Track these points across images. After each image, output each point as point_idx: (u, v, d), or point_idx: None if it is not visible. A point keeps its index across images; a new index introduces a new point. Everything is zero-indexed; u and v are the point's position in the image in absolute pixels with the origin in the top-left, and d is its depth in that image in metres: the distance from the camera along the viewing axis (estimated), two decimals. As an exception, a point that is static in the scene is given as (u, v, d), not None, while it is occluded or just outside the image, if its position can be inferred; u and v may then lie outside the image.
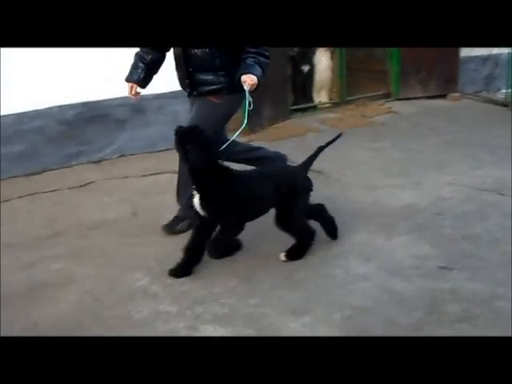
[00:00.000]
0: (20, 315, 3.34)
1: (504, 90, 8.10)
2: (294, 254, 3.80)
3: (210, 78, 3.93)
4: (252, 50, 3.81)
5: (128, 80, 4.06)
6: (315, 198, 4.74)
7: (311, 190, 3.84)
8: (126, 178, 5.39)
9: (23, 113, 5.43)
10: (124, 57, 4.08)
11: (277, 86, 6.77)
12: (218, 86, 3.95)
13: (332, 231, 4.01)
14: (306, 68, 7.47)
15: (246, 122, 3.85)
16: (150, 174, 5.40)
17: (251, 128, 6.47)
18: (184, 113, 4.54)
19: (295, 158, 5.63)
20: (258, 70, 3.82)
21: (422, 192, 4.85)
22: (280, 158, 4.33)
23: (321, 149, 3.97)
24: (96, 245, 4.13)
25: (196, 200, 3.59)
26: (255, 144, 6.10)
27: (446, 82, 7.97)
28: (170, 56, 4.09)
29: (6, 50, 4.97)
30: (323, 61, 7.51)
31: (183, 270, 3.66)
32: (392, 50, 7.79)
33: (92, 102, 5.68)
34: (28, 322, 3.27)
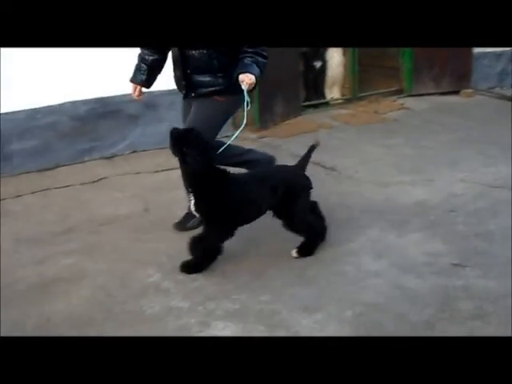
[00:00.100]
0: (33, 310, 3.35)
1: (517, 87, 8.05)
2: (305, 250, 3.80)
3: (208, 79, 3.88)
4: (249, 50, 3.75)
5: (132, 81, 4.11)
6: (328, 194, 4.75)
7: (311, 187, 3.80)
8: (138, 173, 5.40)
9: (36, 109, 5.45)
10: (136, 53, 4.07)
11: (289, 82, 6.76)
12: (217, 88, 3.89)
13: (322, 225, 3.93)
14: (318, 64, 7.44)
15: (244, 122, 3.78)
16: (162, 170, 5.40)
17: (263, 124, 6.48)
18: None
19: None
20: (256, 69, 3.75)
21: (434, 189, 4.82)
22: (269, 161, 4.26)
23: (313, 147, 3.89)
24: (108, 240, 4.14)
25: (192, 202, 3.59)
26: (266, 140, 6.11)
27: (458, 78, 7.92)
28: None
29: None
30: (335, 57, 7.48)
31: (195, 266, 3.67)
32: (405, 45, 7.75)
33: (104, 98, 5.69)
34: (41, 317, 3.29)
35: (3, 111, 5.30)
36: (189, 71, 3.91)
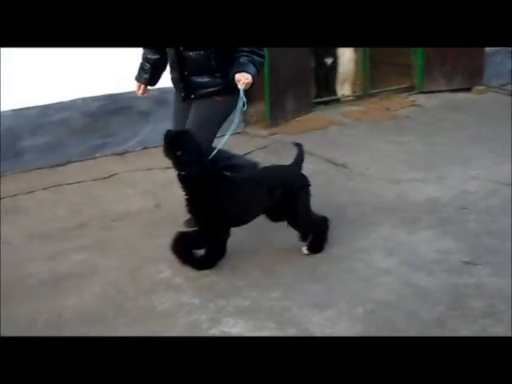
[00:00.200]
0: (44, 306, 3.38)
1: (530, 84, 7.99)
2: (315, 247, 3.80)
3: (206, 80, 3.85)
4: (246, 49, 3.71)
5: (137, 79, 4.14)
6: (339, 191, 4.74)
7: (309, 185, 3.76)
8: (149, 170, 5.41)
9: (48, 105, 5.48)
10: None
11: (300, 79, 6.75)
12: (216, 88, 3.86)
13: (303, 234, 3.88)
14: (329, 60, 7.41)
15: (236, 121, 3.75)
16: (173, 167, 5.41)
17: (274, 121, 6.47)
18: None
19: (318, 152, 5.64)
20: (252, 68, 3.72)
21: (445, 186, 4.80)
22: (253, 167, 4.22)
23: (299, 145, 3.86)
24: (119, 236, 4.15)
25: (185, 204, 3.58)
26: (277, 137, 6.11)
27: (470, 75, 7.87)
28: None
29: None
30: (347, 53, 7.45)
31: (205, 263, 3.68)
32: (416, 42, 7.71)
33: (115, 95, 5.71)
34: (52, 312, 3.31)
35: (16, 107, 5.33)
36: (186, 73, 3.87)
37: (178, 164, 3.50)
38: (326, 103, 7.38)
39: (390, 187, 4.83)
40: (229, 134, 3.73)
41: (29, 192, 5.01)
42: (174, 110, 4.16)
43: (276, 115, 6.52)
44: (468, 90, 7.83)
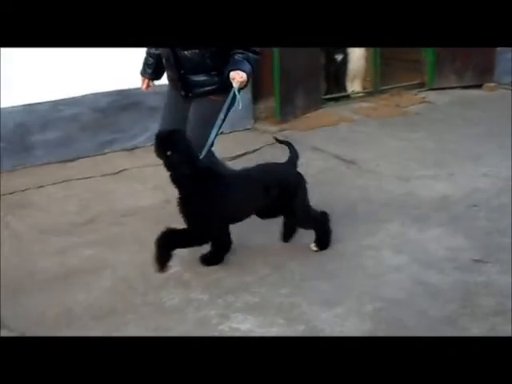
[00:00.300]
0: (54, 301, 3.39)
1: (541, 80, 7.93)
2: (321, 243, 3.79)
3: (203, 78, 3.83)
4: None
5: (142, 74, 4.16)
6: (348, 188, 4.73)
7: (305, 182, 3.72)
8: (158, 165, 5.31)
9: (58, 100, 5.49)
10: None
11: (310, 75, 6.73)
12: (213, 87, 3.84)
13: (289, 232, 3.90)
14: (339, 57, 7.38)
15: (222, 117, 3.70)
16: (183, 162, 5.41)
17: (283, 117, 6.46)
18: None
19: (327, 148, 5.63)
20: (247, 66, 3.69)
21: (456, 183, 4.78)
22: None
23: (289, 143, 3.84)
24: (129, 232, 4.16)
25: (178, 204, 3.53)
26: (286, 133, 6.11)
27: (481, 71, 7.83)
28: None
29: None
30: (357, 50, 7.42)
31: (213, 258, 3.68)
32: (427, 39, 7.67)
33: (126, 90, 5.70)
34: (62, 307, 3.32)
35: (27, 102, 5.34)
36: (183, 71, 3.86)
37: (169, 164, 3.45)
38: (336, 99, 7.36)
39: (399, 184, 4.81)
40: (215, 131, 3.69)
41: (39, 187, 5.02)
42: (165, 106, 4.14)
43: (286, 111, 6.51)
44: (479, 86, 7.80)
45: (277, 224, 3.81)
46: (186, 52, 3.79)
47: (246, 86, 3.77)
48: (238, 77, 3.65)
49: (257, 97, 6.61)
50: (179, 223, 4.20)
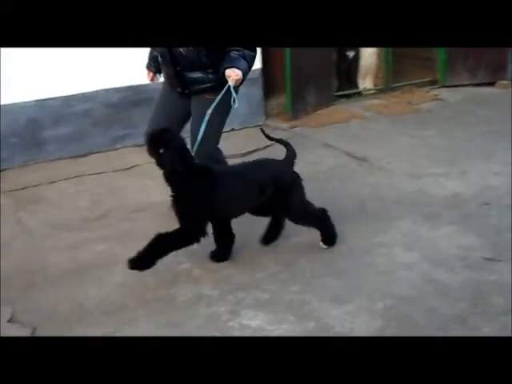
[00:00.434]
0: (66, 295, 3.41)
1: (555, 78, 7.87)
2: (327, 240, 3.78)
3: (199, 76, 3.84)
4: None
5: (148, 68, 4.21)
6: (359, 185, 4.72)
7: (301, 179, 3.69)
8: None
9: (71, 96, 5.52)
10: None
11: (321, 72, 6.73)
12: (209, 84, 3.84)
13: (271, 235, 3.88)
14: (351, 53, 7.37)
15: (209, 112, 3.67)
16: (194, 158, 5.42)
17: (295, 114, 6.45)
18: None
19: (338, 145, 5.62)
20: (243, 63, 3.68)
21: (468, 181, 4.76)
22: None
23: (289, 143, 3.80)
24: (140, 227, 4.17)
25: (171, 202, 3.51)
26: (297, 130, 6.10)
27: (494, 69, 7.78)
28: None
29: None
30: (369, 46, 7.41)
31: (222, 255, 3.70)
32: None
33: (138, 86, 5.72)
34: (74, 302, 3.35)
35: (39, 98, 5.37)
36: (179, 68, 3.86)
37: (161, 162, 3.41)
38: (348, 96, 7.35)
39: (411, 182, 4.80)
40: (203, 126, 3.67)
41: (51, 182, 5.05)
42: (158, 104, 4.14)
43: (297, 108, 6.50)
44: (491, 84, 7.75)
45: (288, 222, 3.81)
46: (181, 49, 3.79)
47: (241, 83, 3.75)
48: (233, 74, 3.65)
49: (268, 93, 6.62)
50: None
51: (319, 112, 6.74)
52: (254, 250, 3.77)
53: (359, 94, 7.52)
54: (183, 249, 3.68)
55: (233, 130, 5.92)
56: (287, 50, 6.24)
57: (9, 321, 3.19)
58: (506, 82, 7.76)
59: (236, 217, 3.67)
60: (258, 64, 5.58)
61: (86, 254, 3.86)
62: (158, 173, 3.49)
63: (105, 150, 5.69)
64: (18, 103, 5.31)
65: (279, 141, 3.82)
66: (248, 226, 3.84)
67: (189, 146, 3.60)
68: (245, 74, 3.71)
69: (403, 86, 7.65)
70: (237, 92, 3.76)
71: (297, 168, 3.74)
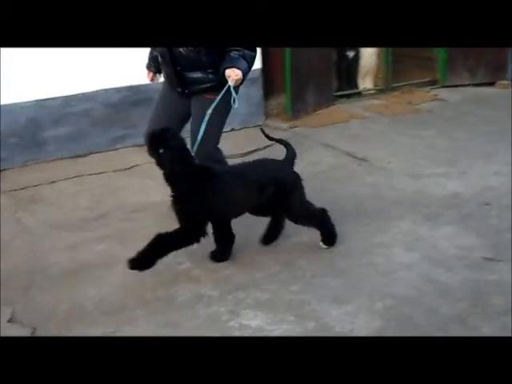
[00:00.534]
0: (65, 295, 3.41)
1: (555, 78, 7.87)
2: (327, 240, 3.78)
3: (199, 76, 3.83)
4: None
5: (148, 68, 4.21)
6: (359, 185, 4.72)
7: (301, 179, 3.68)
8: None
9: (70, 96, 5.51)
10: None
11: (321, 72, 6.73)
12: (209, 84, 3.83)
13: (271, 236, 3.86)
14: (351, 53, 7.37)
15: (209, 112, 3.67)
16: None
17: (295, 114, 6.45)
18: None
19: (338, 145, 5.62)
20: (243, 63, 3.67)
21: (468, 181, 4.76)
22: None
23: (286, 142, 3.79)
24: (140, 227, 4.17)
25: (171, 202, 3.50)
26: (297, 129, 6.10)
27: (494, 69, 7.78)
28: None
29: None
30: (369, 47, 7.41)
31: (222, 255, 3.69)
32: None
33: (138, 86, 5.72)
34: (73, 302, 3.34)
35: (39, 98, 5.37)
36: (179, 68, 3.86)
37: (161, 162, 3.41)
38: (348, 96, 7.35)
39: (411, 182, 4.80)
40: (203, 126, 3.67)
41: (51, 182, 5.05)
42: (158, 104, 4.14)
43: (297, 108, 6.50)
44: (491, 84, 7.75)
45: (288, 222, 3.81)
46: (181, 49, 3.79)
47: (241, 83, 3.75)
48: (233, 74, 3.64)
49: (268, 93, 6.62)
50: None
51: (319, 112, 6.74)
52: (253, 249, 3.77)
53: (359, 94, 7.52)
54: (183, 249, 3.67)
55: (233, 129, 5.92)
56: (287, 50, 6.24)
57: (9, 321, 3.19)
58: (505, 81, 7.77)
59: (236, 217, 3.66)
60: (257, 64, 5.57)
61: (85, 254, 3.85)
62: (158, 173, 3.49)
63: (105, 150, 5.69)
64: (18, 103, 5.31)
65: (279, 141, 3.81)
66: (248, 226, 3.84)
67: (189, 146, 3.60)
68: (245, 74, 3.70)
69: (403, 86, 7.65)
70: (237, 92, 3.76)
71: (297, 168, 3.73)
